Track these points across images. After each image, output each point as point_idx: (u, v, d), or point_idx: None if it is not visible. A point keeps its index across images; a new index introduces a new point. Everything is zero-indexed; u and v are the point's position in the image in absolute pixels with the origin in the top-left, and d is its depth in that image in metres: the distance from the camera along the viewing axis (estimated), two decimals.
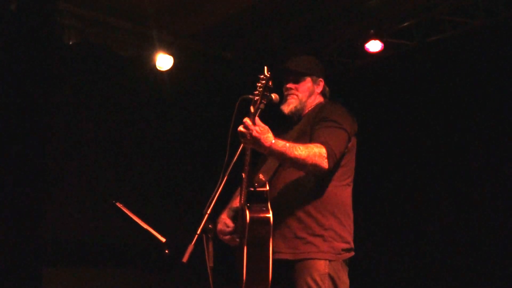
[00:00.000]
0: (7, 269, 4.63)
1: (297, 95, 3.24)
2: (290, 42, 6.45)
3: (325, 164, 2.89)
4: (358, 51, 6.53)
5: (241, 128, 2.79)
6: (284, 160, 2.92)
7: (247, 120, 2.77)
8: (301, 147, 2.86)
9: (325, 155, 2.89)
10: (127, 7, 5.87)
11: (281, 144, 2.83)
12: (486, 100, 5.80)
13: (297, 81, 3.25)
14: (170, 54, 6.28)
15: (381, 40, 6.18)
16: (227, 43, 6.75)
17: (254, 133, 2.75)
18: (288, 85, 3.26)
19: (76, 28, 5.82)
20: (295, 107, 3.23)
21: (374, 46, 6.19)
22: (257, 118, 2.79)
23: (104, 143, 6.43)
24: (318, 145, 2.91)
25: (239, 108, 2.92)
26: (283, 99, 3.22)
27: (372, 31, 6.14)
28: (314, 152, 2.86)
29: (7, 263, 4.63)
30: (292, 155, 2.84)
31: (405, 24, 6.10)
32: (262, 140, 2.77)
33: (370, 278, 6.21)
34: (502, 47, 5.62)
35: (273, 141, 2.80)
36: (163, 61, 6.26)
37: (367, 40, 6.20)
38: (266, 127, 2.80)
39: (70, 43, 5.81)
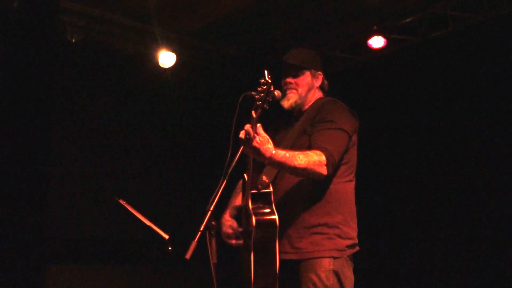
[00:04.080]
0: (11, 266, 4.64)
1: (296, 90, 3.20)
2: (293, 38, 6.44)
3: (324, 171, 2.88)
4: (361, 47, 6.52)
5: (242, 135, 2.74)
6: (284, 169, 2.91)
7: (248, 128, 2.72)
8: (300, 156, 2.83)
9: (325, 162, 2.88)
10: (130, 5, 5.88)
11: (281, 155, 2.80)
12: (489, 95, 5.79)
13: (296, 75, 3.21)
14: (173, 51, 6.29)
15: (384, 36, 6.17)
16: (230, 40, 6.74)
17: (254, 143, 2.72)
18: (287, 80, 3.22)
19: (79, 26, 5.84)
20: (295, 101, 3.20)
21: (377, 42, 6.19)
22: (259, 127, 2.74)
23: (107, 140, 6.43)
24: (318, 152, 2.89)
25: (241, 105, 2.90)
26: (282, 93, 3.15)
27: (375, 27, 6.14)
28: (314, 161, 2.85)
29: (11, 260, 4.64)
30: (291, 165, 2.82)
31: (408, 19, 6.09)
32: (262, 151, 2.74)
33: (375, 272, 6.21)
34: (505, 42, 5.61)
35: (273, 152, 2.77)
36: (166, 58, 6.28)
37: (370, 36, 6.19)
38: (267, 137, 2.77)
39: (73, 40, 5.83)
